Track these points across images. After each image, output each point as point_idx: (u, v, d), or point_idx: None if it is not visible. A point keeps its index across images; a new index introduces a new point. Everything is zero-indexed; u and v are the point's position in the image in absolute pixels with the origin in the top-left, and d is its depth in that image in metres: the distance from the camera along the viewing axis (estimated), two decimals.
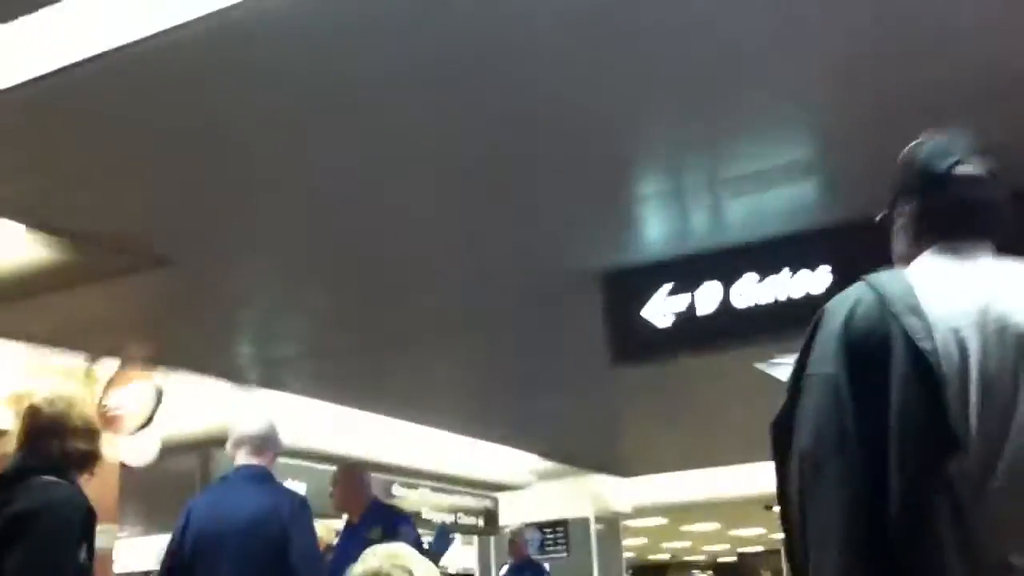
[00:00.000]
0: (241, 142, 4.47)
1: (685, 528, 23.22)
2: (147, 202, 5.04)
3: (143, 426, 7.07)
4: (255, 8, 3.53)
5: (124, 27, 3.68)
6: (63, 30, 3.74)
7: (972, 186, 2.01)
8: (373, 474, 6.59)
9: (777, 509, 1.97)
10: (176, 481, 8.85)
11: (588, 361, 6.81)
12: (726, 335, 5.82)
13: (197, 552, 4.40)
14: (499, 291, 6.51)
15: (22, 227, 5.25)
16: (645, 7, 3.62)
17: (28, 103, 4.03)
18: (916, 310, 1.86)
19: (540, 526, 13.88)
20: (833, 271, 5.52)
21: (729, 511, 18.29)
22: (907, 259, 2.06)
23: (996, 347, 1.82)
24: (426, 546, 5.83)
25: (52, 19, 3.71)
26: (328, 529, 6.89)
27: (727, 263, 5.82)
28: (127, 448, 7.15)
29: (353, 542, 5.33)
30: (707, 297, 5.84)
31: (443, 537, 6.29)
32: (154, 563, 6.30)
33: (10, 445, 3.55)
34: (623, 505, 15.14)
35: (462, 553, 14.62)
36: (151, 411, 7.06)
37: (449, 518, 12.89)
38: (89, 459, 3.54)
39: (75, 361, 7.31)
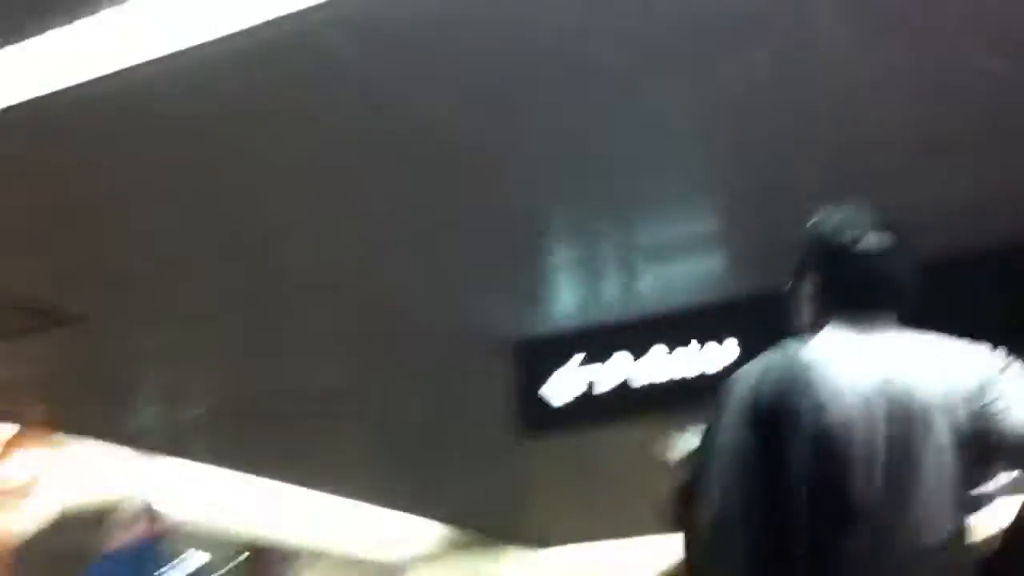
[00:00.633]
0: (144, 203, 4.41)
1: None
2: (47, 262, 4.92)
3: (38, 495, 6.84)
4: (159, 68, 3.50)
5: (27, 83, 3.62)
6: None
7: (874, 259, 2.05)
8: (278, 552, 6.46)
9: None
10: (73, 552, 8.55)
11: (498, 430, 6.78)
12: (636, 406, 5.82)
13: None
14: (410, 358, 6.46)
15: None
16: (567, 84, 3.68)
17: None
18: (822, 381, 1.88)
19: None
20: (740, 343, 5.59)
21: None
22: (813, 329, 2.09)
23: (898, 419, 1.85)
24: None
25: None
26: None
27: (637, 334, 5.86)
28: (20, 518, 6.90)
29: None
30: (616, 368, 5.86)
31: None
32: None
33: None
34: None
35: None
36: (47, 479, 6.84)
37: None
38: None
39: None
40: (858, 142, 4.19)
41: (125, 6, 3.48)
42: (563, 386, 5.96)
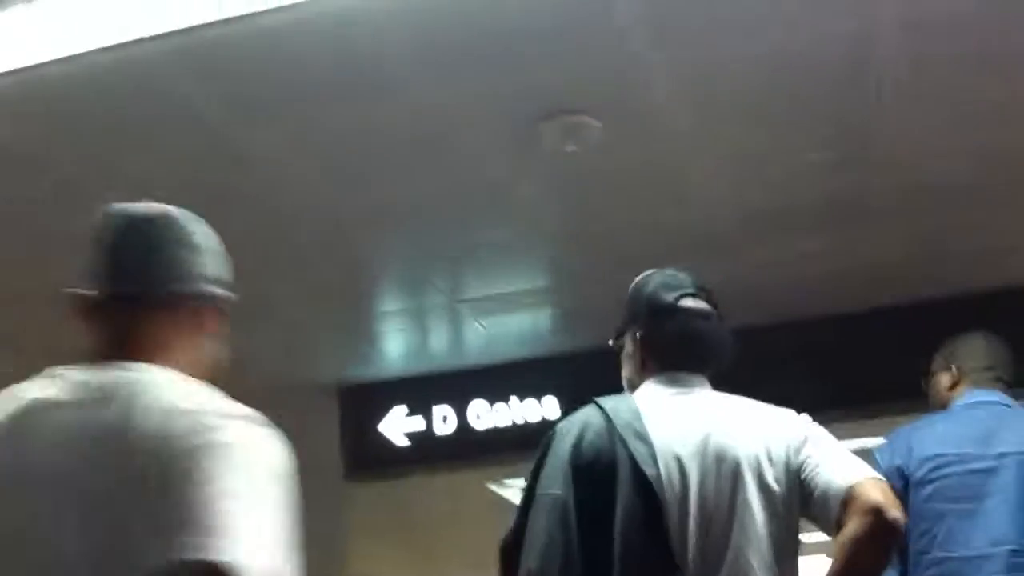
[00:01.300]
0: None
1: None
2: None
3: None
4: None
5: None
6: None
7: (694, 319, 2.12)
8: None
9: None
10: None
11: (319, 475, 6.66)
12: (457, 456, 5.84)
13: None
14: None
15: None
16: (399, 134, 3.70)
17: None
18: (642, 436, 1.93)
19: None
20: (560, 400, 5.66)
21: None
22: (633, 385, 2.15)
23: (714, 476, 1.92)
24: None
25: None
26: None
27: (460, 386, 5.90)
28: None
29: None
30: (440, 417, 5.88)
31: None
32: None
33: None
34: None
35: None
36: None
37: None
38: None
39: None
40: (685, 213, 4.35)
41: None
42: (388, 432, 5.94)
